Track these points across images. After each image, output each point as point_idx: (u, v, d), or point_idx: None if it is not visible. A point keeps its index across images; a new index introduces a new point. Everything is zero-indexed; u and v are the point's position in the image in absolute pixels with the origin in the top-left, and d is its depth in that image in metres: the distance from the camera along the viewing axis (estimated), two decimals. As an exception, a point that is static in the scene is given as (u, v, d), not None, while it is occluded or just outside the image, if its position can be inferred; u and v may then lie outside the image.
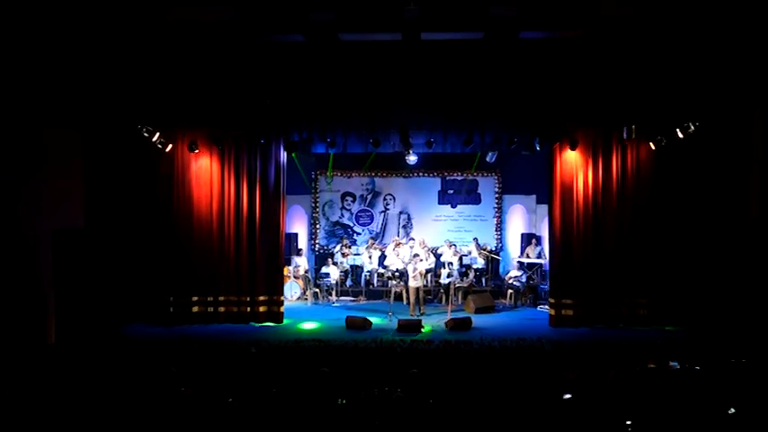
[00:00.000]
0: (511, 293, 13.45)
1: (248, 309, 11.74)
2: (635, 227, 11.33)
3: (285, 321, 11.75)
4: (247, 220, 11.77)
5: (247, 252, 11.78)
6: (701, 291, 11.06)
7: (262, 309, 11.74)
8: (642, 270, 11.28)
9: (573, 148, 11.15)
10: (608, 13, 9.06)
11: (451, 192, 15.52)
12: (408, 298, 12.81)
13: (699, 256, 11.07)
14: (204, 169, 11.74)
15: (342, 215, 15.65)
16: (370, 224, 15.72)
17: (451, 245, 14.20)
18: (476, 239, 14.61)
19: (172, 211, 11.61)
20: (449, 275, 12.89)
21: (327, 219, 15.62)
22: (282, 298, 11.97)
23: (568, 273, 11.44)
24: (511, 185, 15.21)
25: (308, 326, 11.49)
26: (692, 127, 10.32)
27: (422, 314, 12.30)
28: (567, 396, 6.97)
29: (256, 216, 11.76)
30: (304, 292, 13.63)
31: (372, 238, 15.37)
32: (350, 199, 15.65)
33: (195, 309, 11.68)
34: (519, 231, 15.12)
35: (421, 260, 12.83)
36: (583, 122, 11.15)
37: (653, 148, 11.03)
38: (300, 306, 13.25)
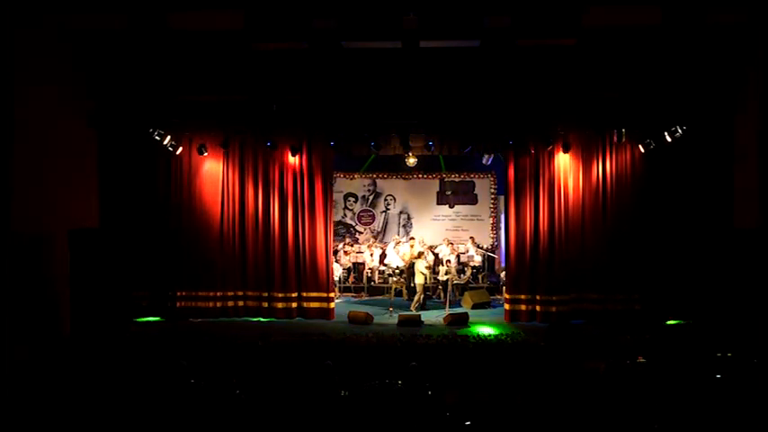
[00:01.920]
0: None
1: (294, 305, 12.11)
2: (589, 227, 11.76)
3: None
4: (294, 221, 12.20)
5: (293, 251, 12.14)
6: (648, 288, 11.55)
7: (313, 305, 12.13)
8: (597, 268, 11.68)
9: (566, 151, 11.50)
10: (599, 23, 9.42)
11: (449, 193, 15.91)
12: (409, 294, 13.27)
13: (655, 255, 11.50)
14: (220, 171, 12.24)
15: (344, 215, 16.04)
16: (371, 224, 16.11)
17: (450, 243, 14.59)
18: (472, 238, 14.97)
19: (177, 211, 12.07)
20: (447, 273, 13.26)
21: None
22: (333, 294, 12.35)
23: (522, 270, 11.84)
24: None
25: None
26: (680, 131, 10.71)
27: (422, 309, 12.70)
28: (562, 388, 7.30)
29: (304, 219, 12.22)
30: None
31: (374, 236, 15.77)
32: (352, 199, 16.06)
33: (240, 303, 12.20)
34: (514, 230, 15.46)
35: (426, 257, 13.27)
36: (572, 126, 11.53)
37: (642, 150, 11.39)
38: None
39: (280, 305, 12.11)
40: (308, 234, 12.16)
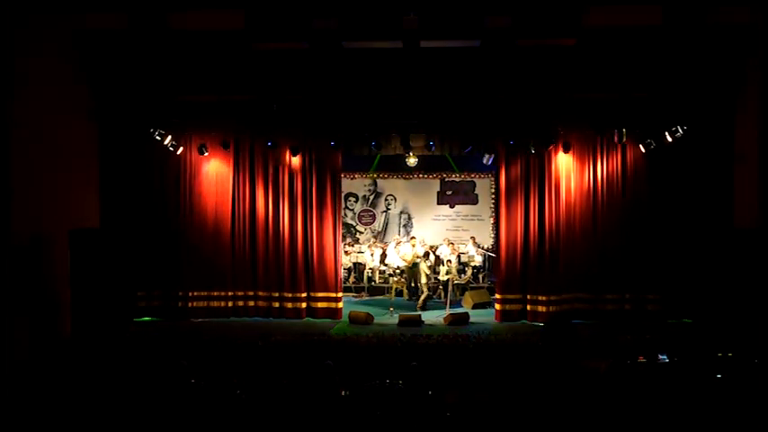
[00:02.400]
0: (507, 290, 13.83)
1: (304, 305, 12.09)
2: (586, 227, 11.78)
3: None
4: (303, 222, 12.19)
5: (302, 251, 12.12)
6: (645, 288, 11.61)
7: (321, 305, 12.10)
8: (591, 268, 11.70)
9: (566, 151, 11.50)
10: (599, 23, 9.44)
11: (450, 192, 15.93)
12: (410, 294, 13.29)
13: (652, 254, 11.55)
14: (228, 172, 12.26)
15: (345, 215, 16.04)
16: (372, 223, 16.13)
17: (450, 243, 14.60)
18: (473, 238, 14.99)
19: (183, 211, 12.06)
20: (447, 272, 13.27)
21: (331, 218, 16.02)
22: (341, 294, 12.32)
23: (513, 272, 11.86)
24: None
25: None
26: (680, 131, 10.71)
27: (423, 309, 12.71)
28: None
29: (313, 217, 12.21)
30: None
31: (374, 236, 15.78)
32: (353, 199, 16.08)
33: (251, 303, 12.18)
34: (515, 230, 15.47)
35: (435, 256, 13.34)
36: (572, 126, 11.53)
37: (643, 150, 11.39)
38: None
39: (289, 305, 12.09)
40: (317, 234, 12.14)
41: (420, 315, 11.83)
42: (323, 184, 12.22)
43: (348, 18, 9.45)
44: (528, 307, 11.79)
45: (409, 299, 13.63)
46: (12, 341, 8.79)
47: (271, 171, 12.23)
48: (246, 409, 6.69)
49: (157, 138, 11.11)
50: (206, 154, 11.73)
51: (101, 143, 11.08)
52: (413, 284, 13.71)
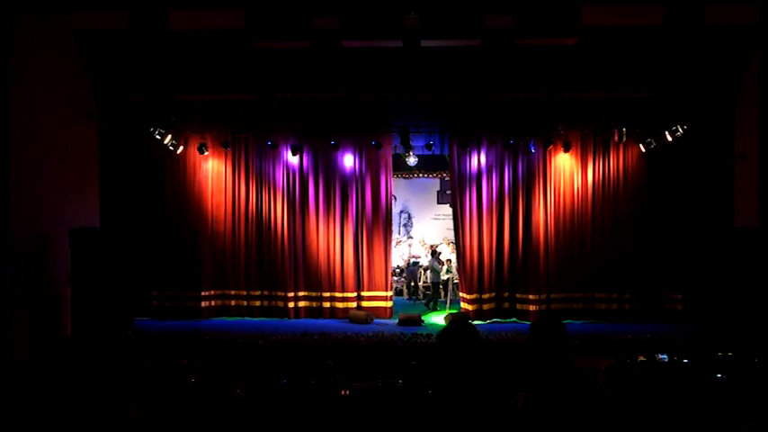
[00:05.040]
0: (507, 289, 13.83)
1: (354, 305, 12.08)
2: (564, 229, 11.85)
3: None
4: (354, 221, 12.20)
5: (354, 250, 12.12)
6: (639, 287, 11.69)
7: (371, 304, 12.07)
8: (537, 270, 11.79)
9: (566, 150, 11.50)
10: (599, 23, 9.46)
11: (450, 192, 15.88)
12: (409, 294, 13.29)
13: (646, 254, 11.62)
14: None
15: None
16: (371, 223, 16.12)
17: (450, 242, 14.59)
18: (474, 237, 14.97)
19: (188, 210, 12.11)
20: (448, 272, 13.28)
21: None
22: (390, 293, 12.25)
23: (472, 272, 11.90)
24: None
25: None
26: (681, 130, 10.71)
27: (425, 308, 12.71)
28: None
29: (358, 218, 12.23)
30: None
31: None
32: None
33: (301, 304, 12.18)
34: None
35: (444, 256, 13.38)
36: (573, 126, 11.53)
37: (643, 150, 11.42)
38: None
39: (339, 305, 12.08)
40: (366, 233, 12.14)
41: (420, 315, 11.84)
42: (378, 183, 12.18)
43: (349, 17, 9.45)
44: (484, 306, 11.85)
45: (409, 298, 13.63)
46: (13, 341, 8.79)
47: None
48: (246, 409, 6.70)
49: (157, 137, 11.11)
50: (206, 153, 11.73)
51: (101, 143, 11.08)
52: (412, 284, 13.71)
